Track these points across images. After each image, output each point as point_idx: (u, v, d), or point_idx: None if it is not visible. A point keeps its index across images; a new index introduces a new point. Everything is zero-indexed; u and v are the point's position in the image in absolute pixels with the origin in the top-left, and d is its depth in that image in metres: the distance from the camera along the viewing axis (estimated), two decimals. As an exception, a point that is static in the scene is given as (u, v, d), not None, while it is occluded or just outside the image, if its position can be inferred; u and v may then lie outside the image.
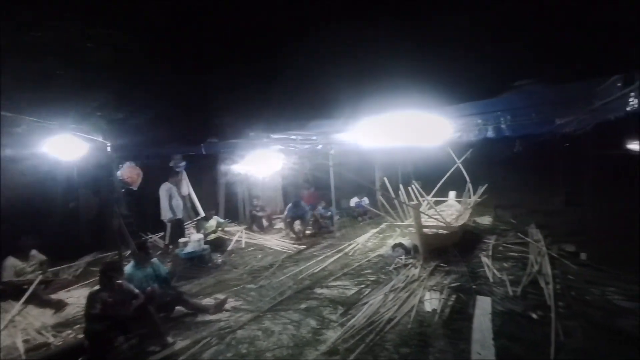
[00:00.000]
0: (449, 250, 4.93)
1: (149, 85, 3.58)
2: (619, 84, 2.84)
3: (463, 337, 2.78)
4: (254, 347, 2.88)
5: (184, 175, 7.34)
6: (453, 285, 3.83)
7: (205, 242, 5.51)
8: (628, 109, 2.76)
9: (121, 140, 3.62)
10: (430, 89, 3.64)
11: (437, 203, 6.96)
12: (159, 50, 3.31)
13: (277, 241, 6.72)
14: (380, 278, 4.31)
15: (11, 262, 4.06)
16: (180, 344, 2.97)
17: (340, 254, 5.50)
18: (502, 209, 7.69)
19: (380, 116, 4.27)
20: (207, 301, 3.90)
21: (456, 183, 7.08)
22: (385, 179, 5.87)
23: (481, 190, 6.43)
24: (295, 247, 6.17)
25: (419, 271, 4.31)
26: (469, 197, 6.40)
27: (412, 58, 3.29)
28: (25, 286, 3.95)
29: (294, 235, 6.82)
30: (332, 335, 2.96)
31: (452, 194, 7.46)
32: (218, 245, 6.03)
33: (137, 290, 3.13)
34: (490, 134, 8.07)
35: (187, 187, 7.41)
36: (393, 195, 5.34)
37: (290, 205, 7.08)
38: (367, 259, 5.15)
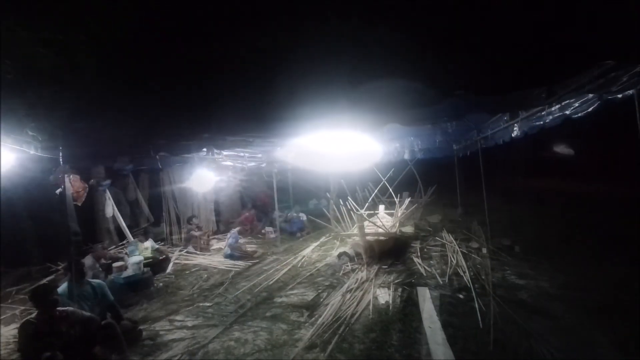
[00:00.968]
0: (386, 254, 5.65)
1: (97, 98, 3.39)
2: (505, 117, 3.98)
3: (414, 318, 3.35)
4: (233, 355, 2.90)
5: (108, 195, 6.60)
6: (397, 281, 4.46)
7: (144, 266, 5.06)
8: (512, 135, 3.89)
9: (69, 152, 3.25)
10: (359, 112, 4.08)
11: (369, 215, 7.81)
12: (109, 66, 3.20)
13: (219, 260, 6.52)
14: (333, 283, 4.69)
15: None
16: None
17: (289, 267, 5.70)
18: (420, 219, 9.04)
19: (314, 136, 4.64)
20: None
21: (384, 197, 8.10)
22: (332, 197, 6.42)
23: (406, 203, 7.51)
24: (242, 264, 6.11)
25: (366, 274, 4.85)
26: (398, 209, 7.41)
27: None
28: None
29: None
30: (305, 333, 3.19)
31: (381, 207, 8.45)
32: (156, 268, 5.57)
33: (88, 314, 2.83)
34: (406, 156, 9.56)
35: (111, 208, 6.63)
36: (342, 204, 5.90)
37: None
38: (316, 269, 5.48)
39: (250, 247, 7.15)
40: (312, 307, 3.84)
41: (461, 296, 3.84)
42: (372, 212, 8.13)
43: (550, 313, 3.27)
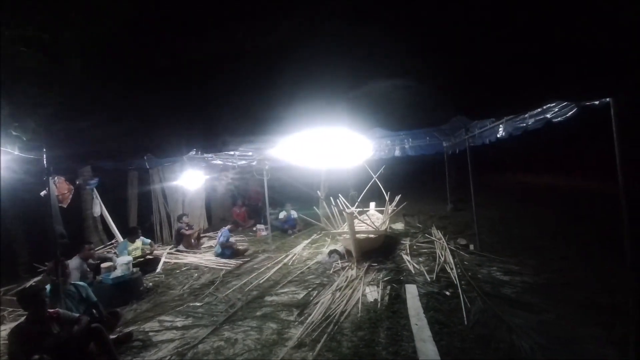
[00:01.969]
0: (376, 252, 5.72)
1: (85, 97, 3.34)
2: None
3: (402, 316, 3.41)
4: (222, 355, 2.93)
5: (96, 194, 6.50)
6: (386, 279, 4.53)
7: (133, 265, 5.03)
8: (498, 135, 3.96)
9: (54, 153, 3.19)
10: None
11: (360, 213, 7.87)
12: (98, 64, 3.15)
13: (210, 259, 6.51)
14: (324, 281, 4.74)
15: None
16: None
17: (280, 265, 5.74)
18: (410, 216, 9.15)
19: (305, 133, 4.68)
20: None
21: (375, 194, 8.17)
22: (323, 197, 6.45)
23: (396, 200, 7.58)
24: (233, 263, 6.11)
25: (356, 271, 4.91)
26: (388, 207, 7.48)
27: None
28: None
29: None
30: (295, 332, 3.23)
31: (372, 204, 8.53)
32: (146, 267, 5.54)
33: (77, 314, 2.82)
34: (397, 152, 9.65)
35: (99, 208, 6.54)
36: (334, 204, 5.93)
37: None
38: (307, 267, 5.52)
39: (241, 245, 7.15)
40: (302, 306, 3.88)
41: (447, 293, 3.93)
42: (363, 209, 8.20)
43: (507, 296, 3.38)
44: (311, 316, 3.55)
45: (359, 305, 3.73)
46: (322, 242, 7.26)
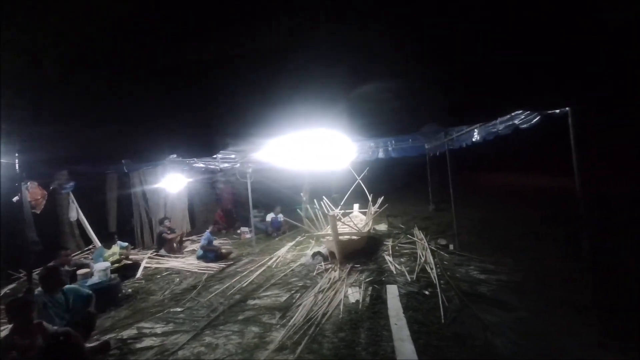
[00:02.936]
0: (359, 253, 5.80)
1: (62, 101, 3.26)
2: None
3: (382, 316, 3.49)
4: (202, 361, 2.91)
5: (72, 198, 6.31)
6: (368, 280, 4.61)
7: (112, 271, 4.91)
8: (473, 139, 4.11)
9: (28, 157, 3.08)
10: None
11: (344, 214, 7.95)
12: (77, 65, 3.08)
13: (192, 263, 6.43)
14: (307, 283, 4.77)
15: None
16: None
17: (263, 268, 5.73)
18: (393, 217, 9.30)
19: (290, 136, 4.69)
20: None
21: (360, 196, 8.28)
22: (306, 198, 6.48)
23: (379, 201, 7.70)
24: (216, 267, 6.05)
25: (339, 273, 4.97)
26: (371, 208, 7.59)
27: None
28: None
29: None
30: (277, 335, 3.24)
31: (356, 206, 8.62)
32: (125, 273, 5.42)
33: (55, 328, 2.74)
34: (380, 154, 9.80)
35: (76, 212, 6.35)
36: (317, 206, 5.97)
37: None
38: (290, 269, 5.53)
39: (224, 248, 7.09)
40: (284, 309, 3.89)
41: (427, 292, 4.03)
42: (346, 211, 8.28)
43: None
44: (293, 319, 3.57)
45: (341, 307, 3.78)
46: (306, 245, 7.29)
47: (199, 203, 10.26)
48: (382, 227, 8.51)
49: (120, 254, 5.78)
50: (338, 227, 5.61)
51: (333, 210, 7.00)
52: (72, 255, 6.01)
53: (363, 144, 8.57)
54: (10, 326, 2.61)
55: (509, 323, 3.16)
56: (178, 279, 5.53)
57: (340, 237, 5.59)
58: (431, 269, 4.78)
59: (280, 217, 9.00)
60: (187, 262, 6.51)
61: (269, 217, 9.03)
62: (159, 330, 3.61)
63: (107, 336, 3.54)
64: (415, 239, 6.56)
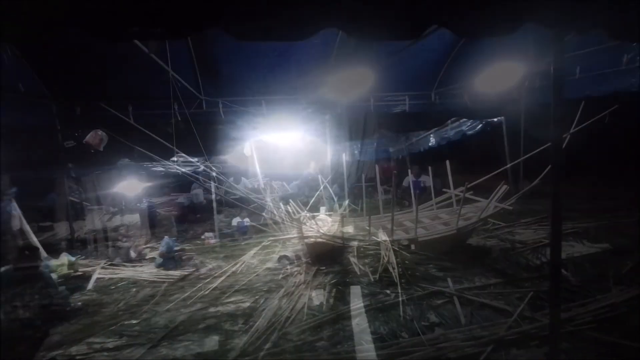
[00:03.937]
0: (325, 256, 5.84)
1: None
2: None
3: (345, 317, 3.55)
4: (157, 374, 2.78)
5: (14, 206, 5.74)
6: (332, 282, 4.66)
7: (59, 284, 4.54)
8: (430, 144, 4.34)
9: None
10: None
11: (311, 218, 7.97)
12: None
13: (151, 271, 6.10)
14: (272, 287, 4.73)
15: None
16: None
17: (228, 274, 5.58)
18: (359, 219, 9.49)
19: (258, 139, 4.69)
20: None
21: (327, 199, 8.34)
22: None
23: (346, 204, 7.82)
24: (177, 274, 5.80)
25: (304, 276, 4.97)
26: (337, 211, 7.68)
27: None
28: None
29: None
30: (238, 342, 3.18)
31: (322, 209, 8.68)
32: (74, 284, 5.02)
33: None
34: (346, 158, 9.92)
35: (19, 221, 5.79)
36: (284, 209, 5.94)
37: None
38: (255, 274, 5.45)
39: (186, 255, 6.81)
40: (247, 315, 3.83)
41: (388, 292, 4.16)
42: (313, 214, 8.32)
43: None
44: (256, 324, 3.52)
45: (305, 310, 3.79)
46: (272, 249, 7.21)
47: (160, 208, 9.81)
48: (349, 229, 8.65)
49: (69, 269, 5.35)
50: (305, 230, 5.62)
51: (300, 213, 7.00)
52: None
53: (332, 147, 8.72)
54: None
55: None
56: (134, 290, 5.22)
57: (306, 240, 5.62)
58: (393, 268, 4.93)
59: (247, 221, 8.83)
60: (146, 271, 6.17)
61: (235, 221, 8.82)
62: (110, 345, 3.39)
63: (54, 352, 3.27)
64: (379, 240, 6.73)
